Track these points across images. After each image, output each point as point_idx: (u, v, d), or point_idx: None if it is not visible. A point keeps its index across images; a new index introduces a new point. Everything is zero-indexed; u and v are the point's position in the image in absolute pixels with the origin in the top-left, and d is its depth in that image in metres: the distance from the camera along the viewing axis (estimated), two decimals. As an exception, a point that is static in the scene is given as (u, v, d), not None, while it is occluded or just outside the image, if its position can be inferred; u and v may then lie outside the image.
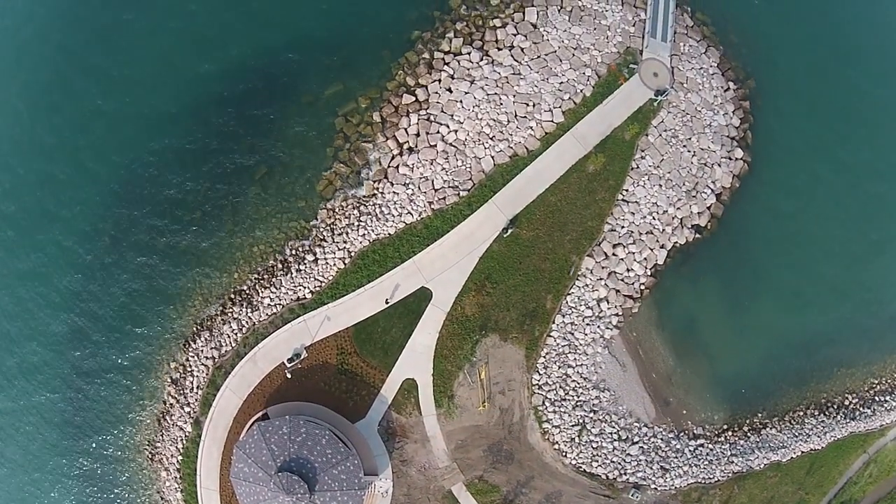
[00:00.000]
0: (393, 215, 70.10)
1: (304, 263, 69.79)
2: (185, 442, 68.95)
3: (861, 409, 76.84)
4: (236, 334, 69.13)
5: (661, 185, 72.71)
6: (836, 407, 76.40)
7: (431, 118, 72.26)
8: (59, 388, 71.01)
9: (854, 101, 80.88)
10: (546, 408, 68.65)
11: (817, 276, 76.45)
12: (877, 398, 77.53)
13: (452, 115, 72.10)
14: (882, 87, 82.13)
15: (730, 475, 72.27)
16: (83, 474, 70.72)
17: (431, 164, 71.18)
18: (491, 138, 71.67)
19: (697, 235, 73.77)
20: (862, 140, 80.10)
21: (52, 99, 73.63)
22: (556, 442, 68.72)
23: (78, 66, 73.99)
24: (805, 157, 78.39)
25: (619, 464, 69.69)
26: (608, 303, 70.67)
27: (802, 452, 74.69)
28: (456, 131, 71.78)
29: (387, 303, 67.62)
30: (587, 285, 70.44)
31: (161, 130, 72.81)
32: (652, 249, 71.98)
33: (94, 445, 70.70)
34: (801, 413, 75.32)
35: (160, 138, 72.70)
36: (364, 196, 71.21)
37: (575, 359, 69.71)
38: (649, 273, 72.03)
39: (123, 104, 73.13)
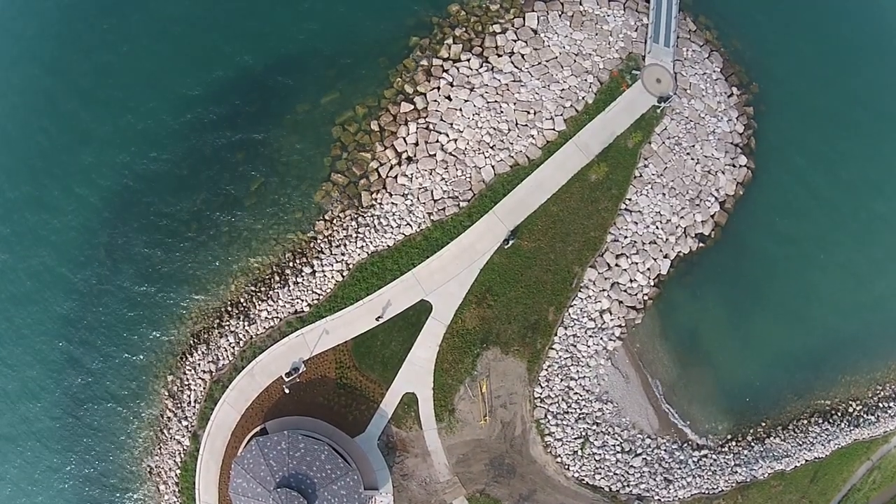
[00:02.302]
0: (391, 227, 69.02)
1: (302, 276, 68.76)
2: (183, 456, 68.36)
3: (865, 416, 76.36)
4: (233, 348, 68.29)
5: (664, 194, 71.65)
6: (840, 415, 75.90)
7: (430, 127, 71.04)
8: (56, 401, 70.38)
9: (856, 99, 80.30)
10: (548, 421, 67.91)
11: (821, 284, 75.66)
12: (880, 405, 77.10)
13: (452, 124, 70.88)
14: (884, 92, 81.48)
15: (734, 485, 71.88)
16: (80, 487, 70.17)
17: (431, 174, 70.01)
18: (491, 147, 70.49)
19: (701, 244, 72.92)
20: (863, 142, 79.53)
21: (42, 123, 72.75)
22: (559, 455, 68.05)
23: (67, 88, 73.06)
24: (808, 162, 77.35)
25: (623, 476, 69.08)
26: (611, 314, 69.78)
27: (806, 461, 74.34)
28: (455, 140, 70.60)
29: (378, 320, 66.49)
30: (590, 297, 69.52)
31: (154, 143, 71.76)
32: (655, 259, 71.04)
33: (92, 459, 70.10)
34: (806, 422, 74.84)
35: (153, 151, 71.63)
36: (362, 207, 70.07)
37: (577, 371, 68.91)
38: (652, 283, 71.13)
39: (116, 113, 72.15)
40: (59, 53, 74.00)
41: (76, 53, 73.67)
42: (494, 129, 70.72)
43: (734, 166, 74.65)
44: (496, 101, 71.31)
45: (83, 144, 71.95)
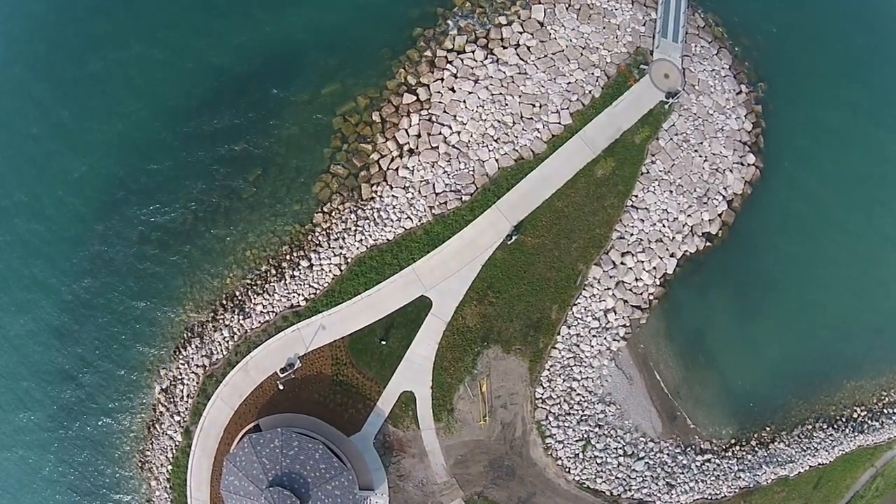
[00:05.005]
0: (392, 220, 67.47)
1: (299, 269, 67.22)
2: (174, 451, 67.04)
3: (869, 421, 75.28)
4: (228, 342, 66.86)
5: (671, 191, 70.28)
6: (844, 420, 74.77)
7: (433, 119, 69.54)
8: (44, 394, 69.30)
9: (864, 98, 79.51)
10: (549, 422, 66.45)
11: (829, 288, 74.40)
12: (885, 410, 76.00)
13: (455, 116, 69.40)
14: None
15: (736, 491, 70.52)
16: (69, 479, 69.13)
17: (433, 166, 68.51)
18: (495, 140, 69.01)
19: (708, 244, 71.39)
20: (872, 142, 78.64)
21: (32, 130, 71.09)
22: (560, 457, 66.60)
23: (58, 95, 71.73)
24: (817, 161, 76.29)
25: (624, 480, 67.67)
26: (616, 313, 68.32)
27: (810, 467, 73.13)
28: (459, 133, 69.10)
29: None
30: (594, 295, 68.06)
31: (152, 131, 70.38)
32: (661, 258, 69.61)
33: (81, 451, 69.10)
34: (810, 427, 73.63)
35: (150, 138, 70.21)
36: (362, 199, 68.54)
37: (580, 372, 67.46)
38: (658, 283, 69.66)
39: (109, 107, 70.97)
40: (51, 59, 72.32)
41: (67, 59, 72.12)
42: (499, 121, 69.27)
43: (742, 164, 73.33)
44: (501, 94, 69.89)
45: (75, 150, 70.43)
